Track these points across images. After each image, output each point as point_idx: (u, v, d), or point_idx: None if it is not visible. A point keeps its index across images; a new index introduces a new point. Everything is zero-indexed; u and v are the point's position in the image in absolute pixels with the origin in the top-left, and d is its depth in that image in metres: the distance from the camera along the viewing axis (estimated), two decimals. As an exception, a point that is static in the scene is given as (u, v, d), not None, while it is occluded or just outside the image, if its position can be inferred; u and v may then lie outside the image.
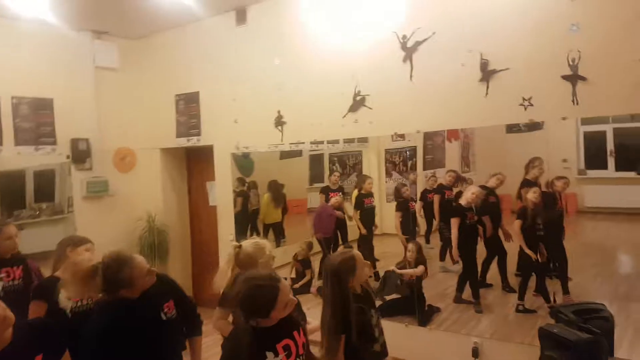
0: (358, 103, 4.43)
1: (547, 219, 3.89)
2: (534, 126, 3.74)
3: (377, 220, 4.92)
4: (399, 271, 4.36)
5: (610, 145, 4.14)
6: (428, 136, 4.57)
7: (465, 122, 4.01)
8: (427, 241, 4.76)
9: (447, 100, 3.94)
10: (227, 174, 5.49)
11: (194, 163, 6.28)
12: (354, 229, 4.98)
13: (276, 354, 1.95)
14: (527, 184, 3.97)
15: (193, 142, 5.77)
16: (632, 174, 4.02)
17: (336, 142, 4.99)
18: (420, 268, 4.27)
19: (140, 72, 6.06)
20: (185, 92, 5.78)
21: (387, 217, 4.92)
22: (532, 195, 3.88)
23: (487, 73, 3.76)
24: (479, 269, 4.27)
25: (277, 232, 5.57)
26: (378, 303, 3.52)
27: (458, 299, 4.27)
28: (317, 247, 5.19)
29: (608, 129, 4.12)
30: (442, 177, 4.68)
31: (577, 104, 3.40)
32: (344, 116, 4.50)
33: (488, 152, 4.41)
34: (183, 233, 6.33)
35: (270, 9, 4.96)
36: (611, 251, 4.21)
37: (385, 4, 4.24)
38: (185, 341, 2.69)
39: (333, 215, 5.07)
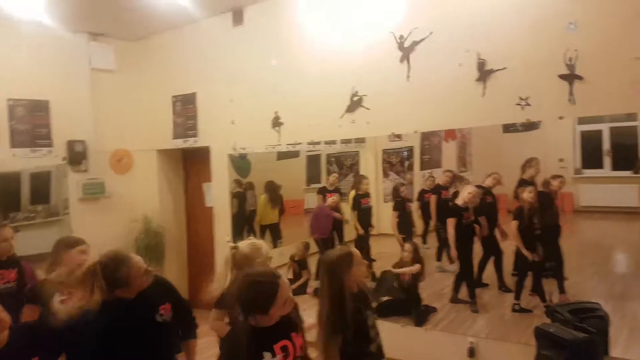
0: (355, 103, 4.43)
1: (543, 219, 3.89)
2: (530, 126, 3.74)
3: (374, 220, 4.92)
4: (395, 270, 4.36)
5: (606, 145, 4.15)
6: (425, 136, 4.58)
7: (463, 122, 4.01)
8: (424, 241, 4.76)
9: (444, 100, 3.94)
10: (224, 175, 5.48)
11: (190, 164, 6.27)
12: (350, 230, 4.98)
13: (273, 355, 1.95)
14: (523, 183, 3.98)
15: (190, 143, 5.77)
16: (628, 173, 4.03)
17: (333, 142, 5.00)
18: (417, 266, 4.27)
19: (137, 74, 6.05)
20: (183, 93, 5.77)
21: (384, 217, 4.92)
22: (527, 195, 3.88)
23: (484, 73, 3.77)
24: (475, 268, 4.27)
25: (274, 233, 5.56)
26: (374, 304, 3.51)
27: (454, 299, 4.27)
28: (314, 247, 5.19)
29: (604, 128, 4.13)
30: (439, 177, 4.68)
31: (574, 103, 3.40)
32: (341, 117, 4.50)
33: (485, 151, 4.42)
34: (179, 235, 6.32)
35: (267, 9, 4.96)
36: (607, 250, 4.22)
37: (382, 5, 4.24)
38: (180, 344, 2.68)
39: (330, 215, 5.07)
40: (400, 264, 4.36)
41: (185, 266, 6.35)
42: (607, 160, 4.17)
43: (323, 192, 5.19)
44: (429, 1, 4.03)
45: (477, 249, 4.25)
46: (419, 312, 4.24)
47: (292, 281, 5.11)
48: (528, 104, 3.58)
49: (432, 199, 4.68)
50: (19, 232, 4.71)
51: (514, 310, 3.96)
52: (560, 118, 3.53)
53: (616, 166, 4.12)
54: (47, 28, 5.17)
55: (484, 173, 4.30)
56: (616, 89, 3.24)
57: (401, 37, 4.13)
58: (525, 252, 3.88)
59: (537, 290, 3.92)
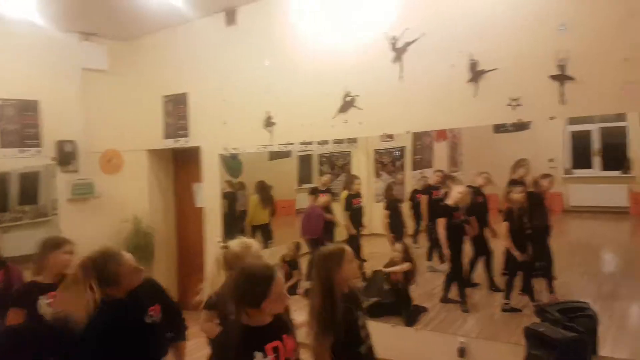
0: (348, 104, 4.43)
1: (533, 219, 3.91)
2: (521, 126, 3.76)
3: (365, 220, 4.91)
4: (386, 270, 4.36)
5: (596, 145, 4.18)
6: (417, 136, 4.58)
7: (455, 123, 4.02)
8: (415, 241, 4.77)
9: (436, 100, 3.95)
10: (214, 175, 5.46)
11: (181, 164, 6.24)
12: (341, 230, 4.96)
13: (265, 355, 1.94)
14: (513, 183, 3.99)
15: (181, 143, 5.74)
16: (617, 173, 4.06)
17: (325, 142, 4.99)
18: (407, 264, 4.27)
19: (129, 74, 6.00)
20: (174, 93, 5.74)
21: (376, 217, 4.92)
22: (517, 195, 3.90)
23: (476, 73, 3.78)
24: (466, 268, 4.28)
25: (265, 233, 5.54)
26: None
27: (445, 299, 4.28)
28: (305, 248, 5.18)
29: (594, 128, 4.16)
30: (430, 177, 4.69)
31: (565, 103, 3.42)
32: (334, 117, 4.49)
33: (476, 152, 4.43)
34: (169, 235, 6.28)
35: (260, 10, 4.95)
36: (596, 250, 4.25)
37: (375, 5, 4.24)
38: (168, 346, 2.66)
39: (321, 216, 5.06)
40: (391, 263, 4.36)
41: (175, 267, 6.31)
42: (596, 161, 4.20)
43: (315, 192, 5.18)
44: (421, 2, 4.04)
45: (467, 249, 4.26)
46: (410, 312, 4.24)
47: (283, 282, 5.09)
48: (519, 105, 3.59)
49: (424, 199, 4.68)
50: (6, 233, 4.70)
51: (503, 310, 3.97)
52: (552, 118, 3.54)
53: (605, 166, 4.16)
54: (37, 27, 5.11)
55: (475, 173, 4.31)
56: (607, 89, 3.26)
57: (394, 37, 4.13)
58: (515, 253, 3.90)
59: (527, 289, 3.93)
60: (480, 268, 4.29)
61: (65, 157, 5.47)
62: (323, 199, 5.10)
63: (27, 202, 5.28)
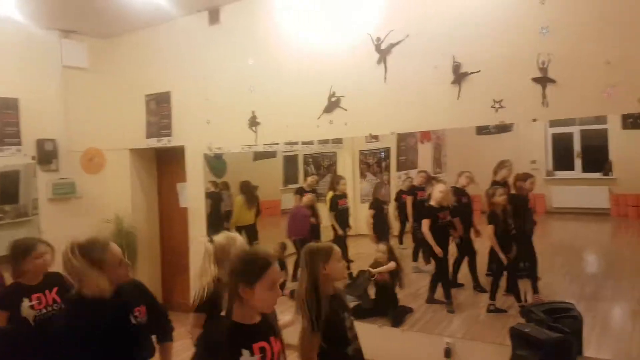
0: (333, 104, 4.43)
1: (517, 220, 3.95)
2: (503, 128, 3.80)
3: (351, 221, 4.92)
4: (373, 270, 4.36)
5: (577, 147, 4.24)
6: (401, 137, 4.61)
7: (438, 124, 4.05)
8: (400, 242, 4.79)
9: (420, 102, 3.97)
10: (198, 175, 5.41)
11: (164, 164, 6.17)
12: (326, 232, 4.96)
13: (252, 354, 1.93)
14: (495, 185, 4.03)
15: (164, 142, 5.68)
16: (598, 175, 4.13)
17: (311, 143, 4.98)
18: (392, 263, 4.29)
19: (110, 72, 5.93)
20: (157, 92, 5.68)
21: (362, 218, 4.93)
22: (499, 198, 3.93)
23: (459, 75, 3.80)
24: (450, 269, 4.31)
25: (250, 234, 5.50)
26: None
27: (430, 299, 4.30)
28: (291, 248, 5.16)
29: (575, 130, 4.23)
30: (415, 177, 4.72)
31: (547, 106, 3.46)
32: (319, 117, 4.49)
33: (459, 153, 4.47)
34: (152, 235, 6.21)
35: (244, 8, 4.92)
36: (578, 251, 4.31)
37: (360, 6, 4.25)
38: (153, 347, 2.63)
39: (307, 216, 5.05)
40: (375, 264, 4.37)
41: (159, 267, 6.25)
42: (578, 163, 4.27)
43: (301, 192, 5.17)
44: (405, 4, 4.05)
45: (452, 250, 4.29)
46: (396, 313, 4.26)
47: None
48: (502, 107, 3.63)
49: (408, 200, 4.71)
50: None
51: (489, 311, 4.01)
52: (534, 120, 3.58)
53: (586, 168, 4.22)
54: (17, 24, 5.02)
55: (457, 172, 4.34)
56: (588, 92, 3.31)
57: (378, 39, 4.14)
58: (502, 256, 3.91)
59: (512, 290, 3.97)
60: (464, 268, 4.32)
61: (46, 156, 5.37)
62: (306, 198, 5.09)
63: (7, 202, 5.18)
